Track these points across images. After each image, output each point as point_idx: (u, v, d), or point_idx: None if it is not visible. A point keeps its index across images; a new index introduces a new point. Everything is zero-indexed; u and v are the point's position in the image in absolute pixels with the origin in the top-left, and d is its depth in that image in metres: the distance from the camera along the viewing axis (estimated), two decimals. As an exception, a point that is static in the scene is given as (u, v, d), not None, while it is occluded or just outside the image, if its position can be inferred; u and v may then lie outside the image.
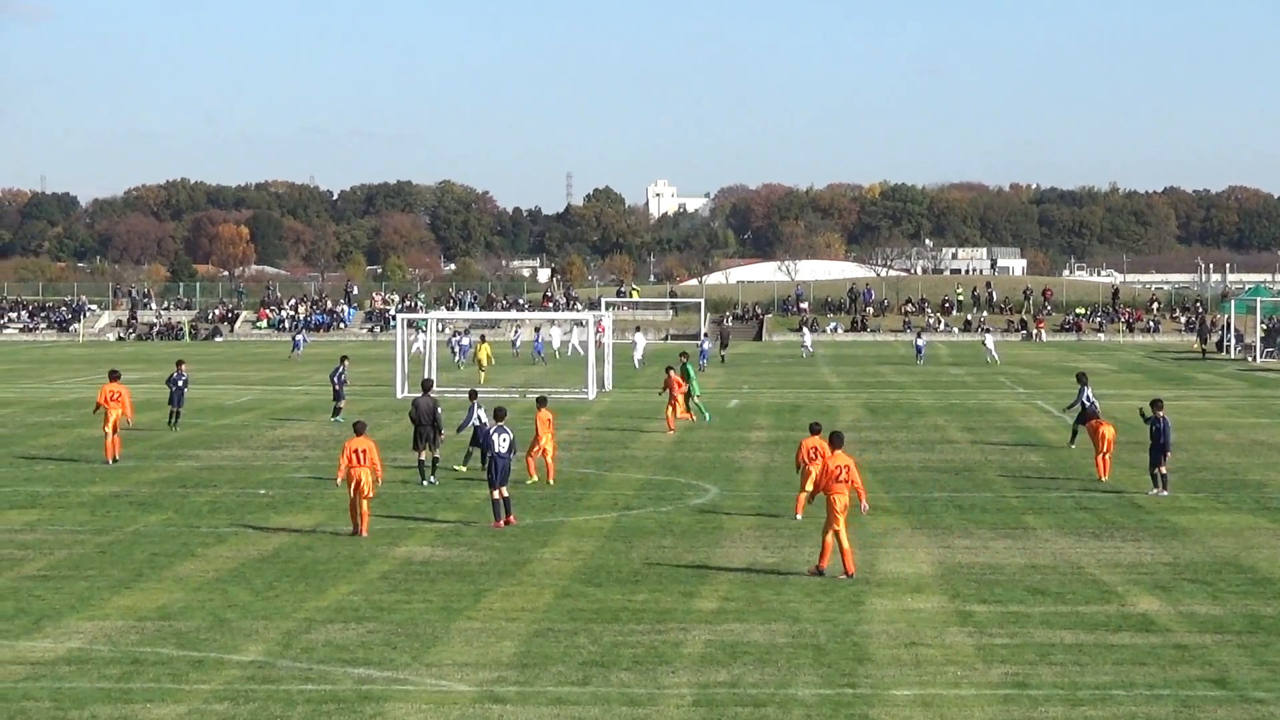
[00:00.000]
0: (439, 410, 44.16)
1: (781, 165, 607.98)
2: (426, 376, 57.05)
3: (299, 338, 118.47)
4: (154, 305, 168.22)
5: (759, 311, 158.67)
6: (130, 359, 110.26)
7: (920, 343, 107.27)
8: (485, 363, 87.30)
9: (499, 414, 38.56)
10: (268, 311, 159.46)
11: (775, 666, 23.84)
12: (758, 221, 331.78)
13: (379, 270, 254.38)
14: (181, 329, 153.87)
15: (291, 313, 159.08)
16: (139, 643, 25.16)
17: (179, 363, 59.08)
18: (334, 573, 31.09)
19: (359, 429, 36.34)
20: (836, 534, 30.62)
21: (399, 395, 71.24)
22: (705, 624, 26.59)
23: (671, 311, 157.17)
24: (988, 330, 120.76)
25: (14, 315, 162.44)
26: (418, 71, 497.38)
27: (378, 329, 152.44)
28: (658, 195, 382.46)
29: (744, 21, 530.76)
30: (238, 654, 24.48)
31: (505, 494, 36.84)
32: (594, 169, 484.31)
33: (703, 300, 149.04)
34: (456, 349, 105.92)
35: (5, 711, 21.29)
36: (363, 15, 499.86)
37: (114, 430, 48.42)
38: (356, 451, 35.27)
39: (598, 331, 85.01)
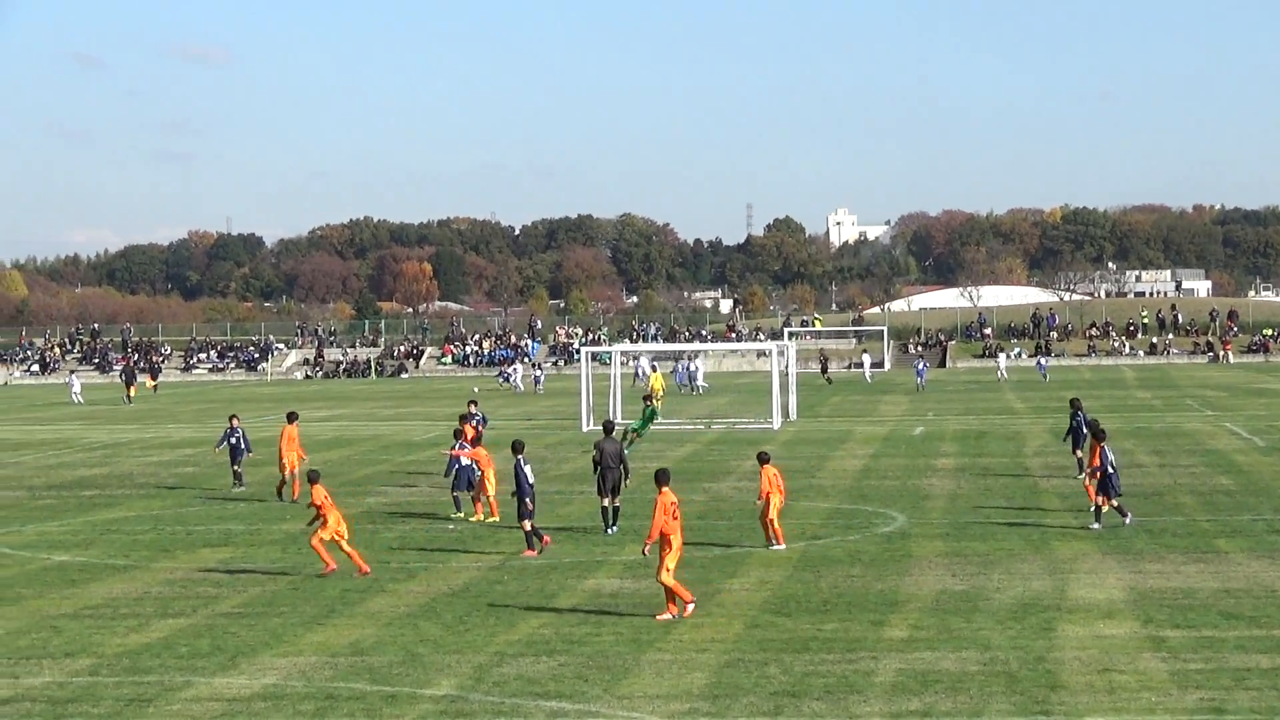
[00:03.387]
0: (625, 451, 42.94)
1: (961, 191, 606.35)
2: (609, 418, 54.48)
3: (508, 370, 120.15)
4: (340, 343, 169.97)
5: (942, 338, 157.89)
6: (317, 397, 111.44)
7: (1042, 362, 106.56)
8: (658, 393, 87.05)
9: (516, 447, 38.88)
10: (452, 347, 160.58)
11: (967, 694, 23.65)
12: (938, 248, 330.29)
13: (562, 304, 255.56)
14: (367, 366, 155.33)
15: (475, 348, 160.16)
16: (333, 678, 25.36)
17: (232, 417, 55.04)
18: (524, 606, 31.18)
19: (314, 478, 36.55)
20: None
21: (584, 429, 71.51)
22: (896, 652, 26.42)
23: (855, 340, 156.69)
24: (1001, 350, 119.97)
25: (203, 355, 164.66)
26: (596, 106, 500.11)
27: (561, 362, 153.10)
28: (838, 224, 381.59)
29: (921, 49, 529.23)
30: (430, 688, 24.60)
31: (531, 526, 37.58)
32: (774, 199, 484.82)
33: (885, 328, 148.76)
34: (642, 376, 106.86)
35: (204, 747, 21.56)
36: (541, 53, 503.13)
37: (293, 472, 48.80)
38: (327, 496, 35.58)
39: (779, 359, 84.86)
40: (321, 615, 30.54)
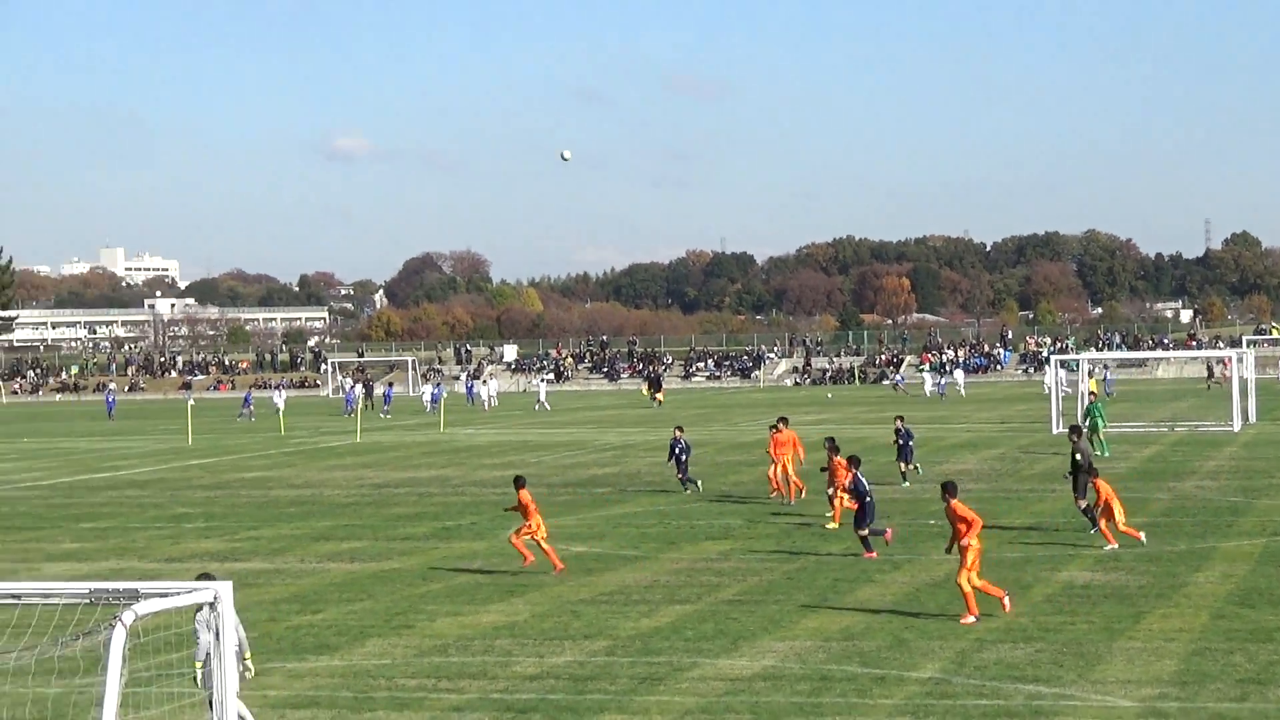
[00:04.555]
0: (1090, 453, 41.95)
1: None
2: (1075, 423, 53.19)
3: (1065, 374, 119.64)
4: (825, 352, 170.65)
5: None
6: (806, 402, 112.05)
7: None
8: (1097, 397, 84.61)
9: (853, 461, 38.59)
10: (929, 355, 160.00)
11: None
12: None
13: (1030, 315, 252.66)
14: (851, 373, 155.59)
15: (951, 356, 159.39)
16: (826, 661, 25.50)
17: (677, 428, 53.83)
18: (994, 597, 30.91)
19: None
20: None
21: (1054, 431, 70.69)
22: (1359, 644, 25.58)
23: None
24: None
25: (701, 365, 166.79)
26: (1062, 127, 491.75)
27: (1031, 370, 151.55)
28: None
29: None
30: (916, 671, 24.59)
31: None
32: (1231, 214, 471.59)
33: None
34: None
35: (710, 722, 21.87)
36: (1003, 79, 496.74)
37: (784, 474, 48.87)
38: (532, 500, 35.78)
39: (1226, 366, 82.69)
40: (815, 602, 30.72)
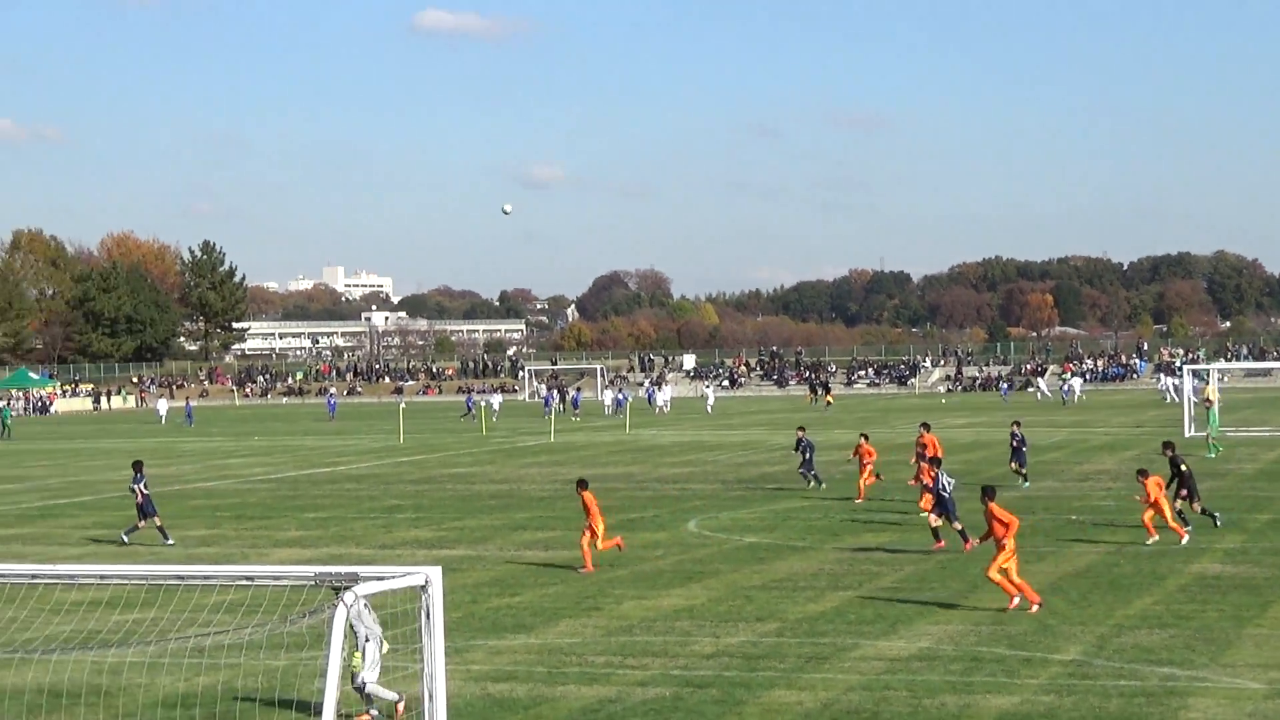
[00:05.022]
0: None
1: None
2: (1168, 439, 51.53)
3: (1173, 382, 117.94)
4: (975, 362, 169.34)
5: None
6: (958, 408, 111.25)
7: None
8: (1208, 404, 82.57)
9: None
10: (1071, 365, 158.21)
11: None
12: None
13: (1164, 329, 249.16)
14: (999, 381, 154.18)
15: (1091, 366, 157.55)
16: (976, 643, 25.27)
17: (800, 429, 53.72)
18: (1137, 586, 30.53)
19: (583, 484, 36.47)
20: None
21: (1186, 435, 69.58)
22: None
23: None
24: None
25: (862, 373, 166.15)
26: (1192, 151, 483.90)
27: (1161, 378, 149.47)
28: None
29: None
30: (1059, 654, 24.30)
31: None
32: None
33: None
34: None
35: (870, 698, 21.69)
36: (1144, 103, 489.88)
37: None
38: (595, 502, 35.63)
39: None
40: (966, 590, 30.45)
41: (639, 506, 48.23)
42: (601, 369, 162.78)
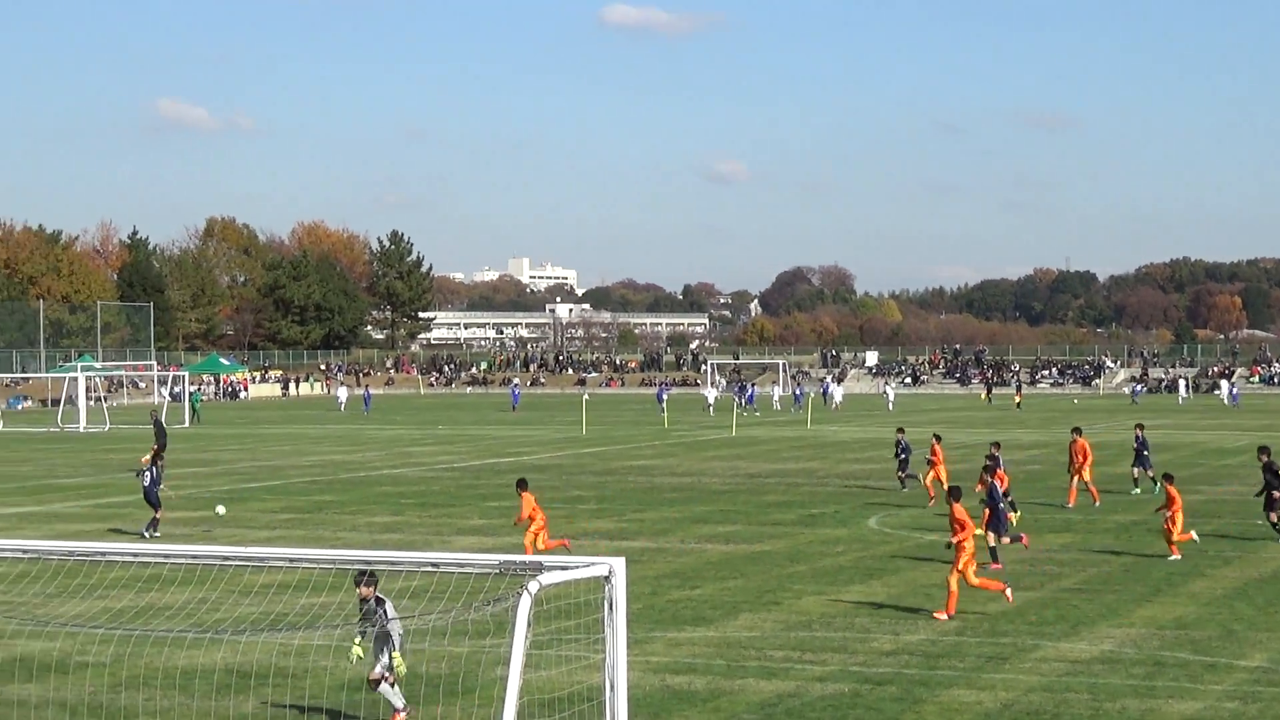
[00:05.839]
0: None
1: None
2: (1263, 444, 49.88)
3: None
4: (1161, 363, 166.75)
5: None
6: (1142, 409, 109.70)
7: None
8: None
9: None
10: (1259, 368, 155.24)
11: None
12: None
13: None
14: (1181, 383, 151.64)
15: (1278, 370, 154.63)
16: (1160, 648, 24.89)
17: (899, 430, 53.39)
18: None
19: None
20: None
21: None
22: None
23: None
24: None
25: (1046, 373, 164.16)
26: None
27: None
28: None
29: None
30: (1244, 660, 23.88)
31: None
32: None
33: None
34: None
35: (1051, 700, 21.45)
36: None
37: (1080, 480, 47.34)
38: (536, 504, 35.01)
39: None
40: (1150, 593, 30.03)
41: (820, 502, 48.10)
42: (783, 364, 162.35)
